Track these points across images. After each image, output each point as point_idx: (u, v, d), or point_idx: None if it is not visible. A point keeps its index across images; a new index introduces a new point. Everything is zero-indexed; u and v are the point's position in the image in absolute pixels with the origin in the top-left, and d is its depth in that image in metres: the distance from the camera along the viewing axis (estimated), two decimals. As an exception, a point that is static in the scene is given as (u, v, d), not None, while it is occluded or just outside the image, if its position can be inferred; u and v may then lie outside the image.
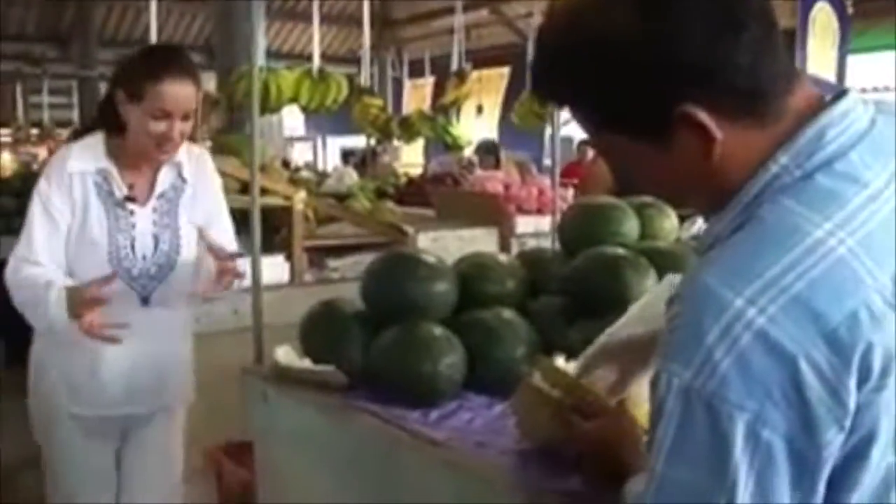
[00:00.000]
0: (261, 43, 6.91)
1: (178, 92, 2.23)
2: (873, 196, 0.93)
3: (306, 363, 2.27)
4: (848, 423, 0.86)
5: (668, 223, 2.80)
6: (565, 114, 4.69)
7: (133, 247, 2.35)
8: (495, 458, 1.80)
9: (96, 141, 2.36)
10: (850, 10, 5.71)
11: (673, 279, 1.84)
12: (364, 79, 6.27)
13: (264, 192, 3.44)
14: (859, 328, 0.86)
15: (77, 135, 2.44)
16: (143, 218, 2.38)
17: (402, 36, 16.16)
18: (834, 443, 0.86)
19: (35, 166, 10.11)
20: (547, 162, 6.16)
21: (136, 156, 2.35)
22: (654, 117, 0.98)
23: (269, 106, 5.02)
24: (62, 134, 13.26)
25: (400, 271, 2.20)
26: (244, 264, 2.42)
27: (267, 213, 3.45)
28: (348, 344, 2.22)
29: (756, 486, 0.86)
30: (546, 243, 4.55)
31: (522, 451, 1.82)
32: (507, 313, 2.27)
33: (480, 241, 4.41)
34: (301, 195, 3.94)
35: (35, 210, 2.27)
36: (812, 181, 0.94)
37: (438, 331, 2.15)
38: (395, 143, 8.48)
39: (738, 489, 0.86)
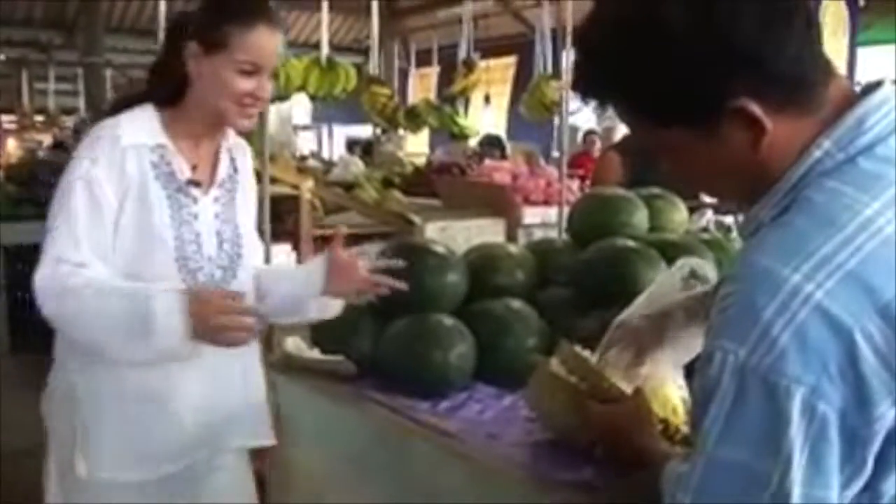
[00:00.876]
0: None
1: (271, 43, 1.83)
2: None
3: (315, 353, 2.27)
4: None
5: (678, 215, 2.80)
6: (573, 104, 4.66)
7: (199, 243, 1.86)
8: (506, 449, 1.80)
9: (146, 113, 1.85)
10: (861, 2, 5.71)
11: (682, 264, 1.85)
12: (372, 67, 6.24)
13: (273, 180, 3.44)
14: None
15: (116, 109, 1.88)
16: (206, 208, 1.89)
17: (409, 25, 16.11)
18: (887, 416, 0.88)
19: (41, 153, 10.08)
20: (556, 153, 6.14)
21: (199, 130, 1.89)
22: (706, 110, 0.99)
23: (279, 94, 5.00)
24: (67, 121, 13.25)
25: (411, 261, 2.20)
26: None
27: (275, 201, 3.45)
28: (358, 334, 2.23)
29: (809, 460, 0.88)
30: (553, 234, 4.54)
31: (534, 443, 1.82)
32: (517, 304, 2.26)
33: (488, 231, 4.40)
34: (308, 184, 3.94)
35: (78, 198, 1.72)
36: (855, 164, 0.96)
37: (448, 321, 2.15)
38: (401, 132, 8.45)
39: (793, 463, 0.88)
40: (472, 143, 8.09)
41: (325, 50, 5.20)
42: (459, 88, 6.84)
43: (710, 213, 3.22)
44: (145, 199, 1.78)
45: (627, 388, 1.64)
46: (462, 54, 6.95)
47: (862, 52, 7.50)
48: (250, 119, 1.87)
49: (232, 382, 1.95)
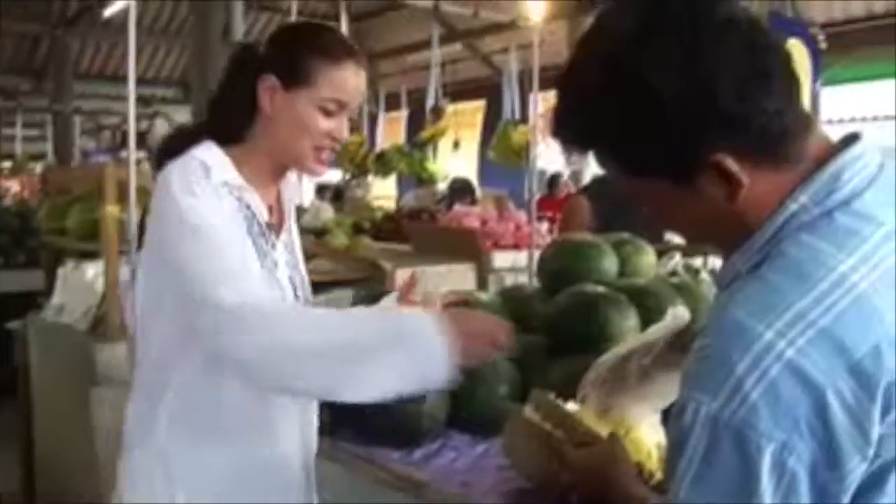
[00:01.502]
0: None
1: (359, 82, 1.67)
2: (889, 235, 0.96)
3: (288, 403, 2.25)
4: (871, 453, 0.89)
5: (646, 259, 2.83)
6: (541, 148, 4.70)
7: (283, 292, 1.70)
8: (480, 497, 1.81)
9: (214, 153, 1.63)
10: (822, 46, 5.82)
11: (675, 312, 1.79)
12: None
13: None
14: (882, 361, 0.89)
15: (172, 146, 1.66)
16: (280, 255, 1.73)
17: (379, 70, 16.23)
18: (856, 472, 0.89)
19: (7, 201, 9.99)
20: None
21: (268, 169, 1.71)
22: (683, 164, 1.00)
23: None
24: (36, 167, 13.18)
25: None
26: None
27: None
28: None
29: None
30: (523, 278, 4.56)
31: (507, 491, 1.82)
32: (489, 352, 2.27)
33: (458, 276, 4.41)
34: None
35: (203, 233, 1.49)
36: (831, 219, 0.98)
37: (421, 370, 2.15)
38: (369, 178, 8.49)
39: None
40: (442, 186, 8.14)
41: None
42: (428, 135, 6.89)
43: (678, 257, 3.26)
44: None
45: (602, 432, 1.66)
46: (430, 101, 7.03)
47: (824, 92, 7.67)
48: (324, 164, 1.70)
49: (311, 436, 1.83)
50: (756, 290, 0.96)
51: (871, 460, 0.89)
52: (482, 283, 4.57)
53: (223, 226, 1.53)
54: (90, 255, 4.09)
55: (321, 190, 10.08)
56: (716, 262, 4.75)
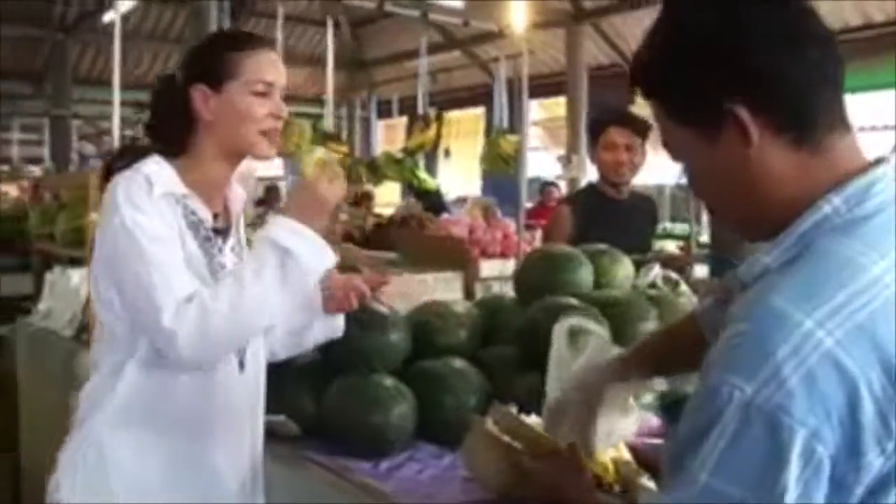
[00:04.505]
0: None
1: (277, 61, 1.83)
2: None
3: (259, 412, 2.27)
4: (890, 447, 0.92)
5: (623, 271, 2.84)
6: (537, 156, 4.73)
7: None
8: (441, 510, 1.81)
9: (160, 166, 1.76)
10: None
11: (563, 323, 1.92)
12: (328, 124, 6.27)
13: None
14: None
15: (122, 159, 1.81)
16: (227, 257, 1.85)
17: (375, 77, 16.25)
18: (873, 464, 0.92)
19: (5, 206, 9.97)
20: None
21: (214, 175, 1.83)
22: (708, 110, 1.07)
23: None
24: (33, 171, 13.17)
25: (352, 322, 2.21)
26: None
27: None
28: (300, 393, 2.24)
29: (799, 500, 0.91)
30: (510, 286, 4.55)
31: (470, 502, 1.83)
32: (458, 362, 2.29)
33: (445, 285, 4.40)
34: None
35: (143, 242, 1.64)
36: (864, 223, 1.02)
37: (389, 381, 2.17)
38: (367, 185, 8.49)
39: (786, 500, 0.91)
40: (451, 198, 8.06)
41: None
42: (416, 144, 6.86)
43: (657, 269, 3.26)
44: (185, 251, 1.72)
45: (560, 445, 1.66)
46: (420, 109, 7.01)
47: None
48: (274, 144, 1.83)
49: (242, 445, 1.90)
50: (796, 282, 0.98)
51: (888, 455, 0.92)
52: (469, 292, 4.56)
53: (164, 237, 1.67)
54: (78, 262, 4.10)
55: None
56: (699, 272, 4.78)
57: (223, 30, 1.95)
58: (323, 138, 5.86)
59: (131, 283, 1.65)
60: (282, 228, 1.66)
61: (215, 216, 1.84)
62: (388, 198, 11.89)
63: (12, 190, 12.38)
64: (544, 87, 12.09)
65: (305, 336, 2.08)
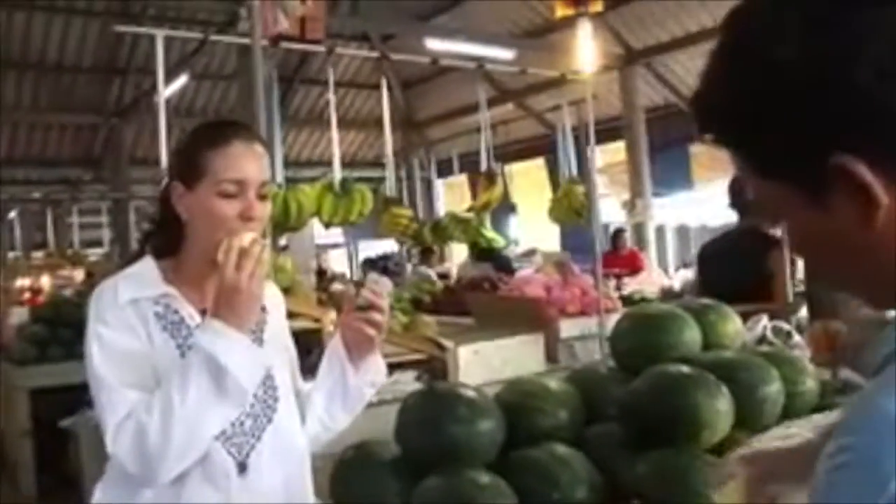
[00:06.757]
0: (278, 155, 6.78)
1: (250, 156, 1.74)
2: None
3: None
4: None
5: (732, 327, 2.56)
6: (604, 202, 4.51)
7: None
8: None
9: (146, 265, 1.78)
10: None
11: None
12: (389, 188, 6.08)
13: (292, 315, 3.23)
14: None
15: (121, 266, 1.84)
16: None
17: (429, 136, 16.24)
18: None
19: (68, 291, 10.02)
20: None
21: (205, 272, 1.77)
22: (806, 165, 0.78)
23: (290, 225, 4.82)
24: (92, 255, 13.33)
25: (437, 411, 1.95)
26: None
27: (297, 336, 3.24)
28: (385, 496, 1.98)
29: None
30: (594, 345, 4.28)
31: None
32: (562, 449, 2.02)
33: (524, 349, 4.14)
34: (331, 317, 3.73)
35: (99, 362, 1.66)
36: None
37: (485, 478, 1.91)
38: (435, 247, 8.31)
39: None
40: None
41: (337, 174, 5.05)
42: (483, 202, 6.60)
43: (765, 319, 2.96)
44: (155, 352, 1.70)
45: None
46: (483, 165, 6.77)
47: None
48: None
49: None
50: None
51: None
52: (551, 355, 4.29)
53: (118, 351, 1.66)
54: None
55: (369, 263, 9.85)
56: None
57: (206, 122, 1.91)
58: (385, 203, 5.69)
59: (94, 396, 1.68)
60: (207, 333, 1.63)
61: (203, 312, 1.75)
62: (458, 259, 11.69)
63: (77, 275, 12.52)
64: (603, 132, 11.93)
65: (357, 392, 1.90)
